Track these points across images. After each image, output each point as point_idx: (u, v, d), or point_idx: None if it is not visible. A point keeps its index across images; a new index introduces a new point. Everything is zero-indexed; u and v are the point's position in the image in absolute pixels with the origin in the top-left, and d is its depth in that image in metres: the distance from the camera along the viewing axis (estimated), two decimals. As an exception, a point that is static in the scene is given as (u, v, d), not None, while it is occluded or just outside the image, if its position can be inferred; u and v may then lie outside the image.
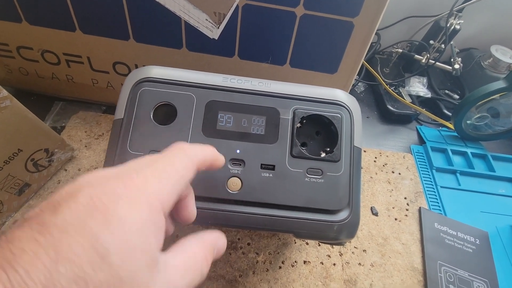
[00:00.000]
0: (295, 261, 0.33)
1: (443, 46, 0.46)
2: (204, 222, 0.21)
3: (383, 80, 0.50)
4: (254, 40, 0.34)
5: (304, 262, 0.33)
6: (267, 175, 0.21)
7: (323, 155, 0.22)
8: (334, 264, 0.33)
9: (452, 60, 0.45)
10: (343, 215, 0.21)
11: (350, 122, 0.22)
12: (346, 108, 0.22)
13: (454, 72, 0.45)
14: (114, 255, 0.11)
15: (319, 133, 0.23)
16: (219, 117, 0.22)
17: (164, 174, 0.14)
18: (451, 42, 0.46)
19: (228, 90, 0.22)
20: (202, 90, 0.22)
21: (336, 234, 0.21)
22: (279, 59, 0.36)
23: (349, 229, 0.21)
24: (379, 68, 0.54)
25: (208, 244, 0.16)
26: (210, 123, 0.21)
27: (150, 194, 0.13)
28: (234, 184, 0.21)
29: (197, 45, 0.35)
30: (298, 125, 0.22)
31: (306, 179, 0.21)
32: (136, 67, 0.38)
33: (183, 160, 0.16)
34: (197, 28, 0.33)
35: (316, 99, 0.22)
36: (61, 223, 0.11)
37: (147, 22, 0.33)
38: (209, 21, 0.33)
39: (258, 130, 0.22)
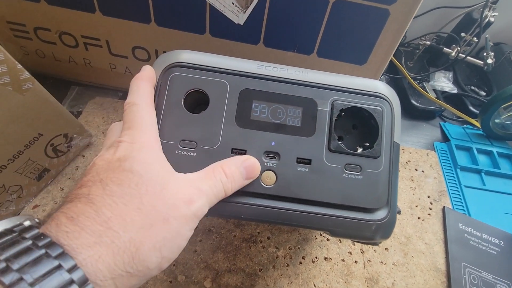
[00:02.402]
0: (316, 257, 0.32)
1: (475, 39, 0.43)
2: (237, 216, 0.20)
3: (408, 74, 0.48)
4: (281, 27, 0.33)
5: (325, 258, 0.32)
6: (303, 169, 0.20)
7: (359, 150, 0.21)
8: (355, 262, 0.32)
9: (485, 54, 0.43)
10: (381, 214, 0.20)
11: (391, 116, 0.21)
12: (387, 101, 0.21)
13: (485, 67, 0.43)
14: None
15: (356, 126, 0.22)
16: (253, 106, 0.20)
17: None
18: (487, 35, 0.43)
19: (263, 78, 0.21)
20: (236, 77, 0.21)
21: (373, 234, 0.20)
22: (306, 48, 0.34)
23: (386, 229, 0.20)
24: (403, 61, 0.52)
25: (226, 161, 0.19)
26: (244, 113, 0.20)
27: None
28: (269, 178, 0.20)
29: (221, 30, 0.33)
30: (336, 117, 0.21)
31: (344, 175, 0.20)
32: (156, 52, 0.37)
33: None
34: (223, 12, 0.32)
35: (356, 91, 0.21)
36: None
37: (170, 5, 0.32)
38: (236, 5, 0.31)
39: (294, 122, 0.20)
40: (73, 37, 0.36)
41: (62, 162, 0.34)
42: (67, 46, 0.37)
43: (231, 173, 0.18)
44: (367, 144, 0.21)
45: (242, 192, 0.20)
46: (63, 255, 0.13)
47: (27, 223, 0.14)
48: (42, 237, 0.13)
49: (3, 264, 0.12)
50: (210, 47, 0.35)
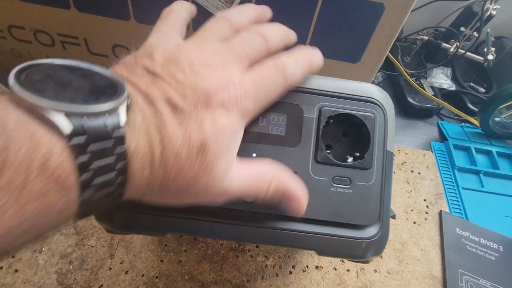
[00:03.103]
0: (307, 266, 0.31)
1: (475, 33, 0.41)
2: (212, 235, 0.18)
3: (404, 70, 0.46)
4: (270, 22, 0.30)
5: (316, 267, 0.31)
6: None
7: (349, 160, 0.19)
8: (348, 270, 0.31)
9: (485, 49, 0.41)
10: (372, 231, 0.18)
11: (384, 123, 0.19)
12: (379, 107, 0.19)
13: (486, 63, 0.41)
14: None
15: (346, 134, 0.20)
16: None
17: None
18: (488, 30, 0.41)
19: None
20: None
21: (364, 252, 0.18)
22: (296, 45, 0.32)
23: (378, 246, 0.19)
24: (399, 57, 0.50)
25: (272, 172, 0.17)
26: None
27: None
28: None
29: (205, 27, 0.31)
30: (324, 124, 0.19)
31: (332, 188, 0.18)
32: (138, 51, 0.35)
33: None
34: (206, 8, 0.30)
35: (345, 95, 0.19)
36: None
37: (149, 0, 0.30)
38: (220, 0, 0.29)
39: (278, 131, 0.19)
40: (49, 35, 0.34)
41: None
42: (43, 45, 0.35)
43: (269, 185, 0.17)
44: (358, 154, 0.19)
45: (218, 208, 0.18)
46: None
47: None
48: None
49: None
50: (194, 45, 0.32)
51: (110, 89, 0.13)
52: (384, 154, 0.19)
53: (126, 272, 0.28)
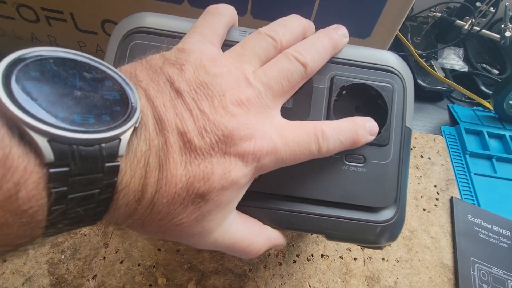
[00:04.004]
0: (312, 255, 0.29)
1: (492, 9, 0.38)
2: None
3: (415, 51, 0.44)
4: (271, -6, 0.28)
5: (322, 256, 0.29)
6: None
7: None
8: (355, 259, 0.30)
9: (502, 26, 0.38)
10: (387, 214, 0.17)
11: (403, 95, 0.17)
12: (398, 77, 0.17)
13: (502, 41, 0.38)
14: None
15: (360, 108, 0.18)
16: None
17: None
18: (506, 4, 0.38)
19: None
20: None
21: (377, 237, 0.17)
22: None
23: (393, 231, 0.17)
24: (409, 37, 0.47)
25: (265, 236, 0.16)
26: None
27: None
28: None
29: (202, -1, 0.29)
30: (335, 97, 0.17)
31: (344, 167, 0.16)
32: (130, 27, 0.32)
33: None
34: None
35: (360, 63, 0.17)
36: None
37: (140, -32, 0.27)
38: None
39: (285, 103, 0.16)
40: (32, 10, 0.31)
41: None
42: (27, 21, 0.33)
43: (264, 244, 0.17)
44: None
45: None
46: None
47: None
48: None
49: None
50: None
51: (119, 106, 0.10)
52: (402, 129, 0.17)
53: (122, 262, 0.27)
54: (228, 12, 0.17)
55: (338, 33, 0.17)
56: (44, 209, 0.09)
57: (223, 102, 0.13)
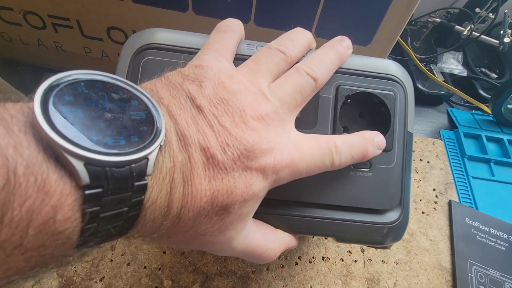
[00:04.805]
0: (313, 257, 0.30)
1: (491, 15, 0.39)
2: None
3: (414, 55, 0.44)
4: (274, 2, 0.28)
5: (323, 258, 0.30)
6: None
7: None
8: (355, 261, 0.30)
9: (501, 32, 0.39)
10: (393, 216, 0.18)
11: (405, 102, 0.18)
12: (400, 84, 0.18)
13: (501, 47, 0.39)
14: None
15: (364, 115, 0.19)
16: None
17: None
18: (506, 10, 0.39)
19: None
20: None
21: (384, 238, 0.18)
22: (303, 27, 0.30)
23: (398, 232, 0.18)
24: (409, 41, 0.48)
25: (279, 240, 0.17)
26: None
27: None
28: None
29: (206, 7, 0.29)
30: (340, 105, 0.17)
31: (352, 172, 0.17)
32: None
33: None
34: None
35: (363, 72, 0.18)
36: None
37: (146, -23, 0.28)
38: None
39: None
40: (39, 16, 0.32)
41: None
42: (33, 28, 0.33)
43: (276, 250, 0.18)
44: None
45: None
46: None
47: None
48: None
49: None
50: (194, 26, 0.31)
51: (146, 126, 0.11)
52: (404, 135, 0.18)
53: (128, 264, 0.28)
54: (238, 29, 0.17)
55: (343, 45, 0.18)
56: (78, 229, 0.09)
57: (243, 117, 0.13)
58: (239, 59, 0.17)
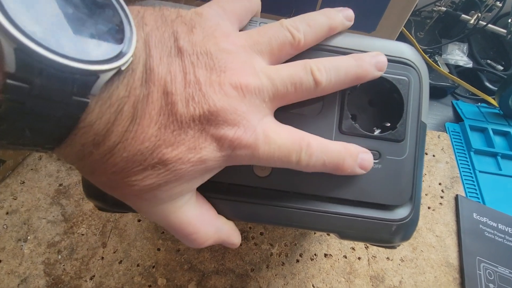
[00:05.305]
0: (315, 254, 0.29)
1: (498, 3, 0.38)
2: (224, 215, 0.16)
3: (420, 47, 0.43)
4: (274, -15, 0.27)
5: (325, 255, 0.29)
6: None
7: (377, 132, 0.16)
8: (359, 258, 0.29)
9: (509, 21, 0.38)
10: (403, 212, 0.16)
11: (419, 88, 0.16)
12: (414, 69, 0.16)
13: (509, 36, 0.38)
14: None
15: (373, 102, 0.17)
16: None
17: None
18: (514, -3, 0.38)
19: None
20: None
21: (392, 236, 0.16)
22: (304, 11, 0.28)
23: (408, 230, 0.17)
24: (413, 32, 0.46)
25: (215, 228, 0.15)
26: None
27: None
28: (263, 167, 0.15)
29: (202, -9, 0.28)
30: (348, 91, 0.16)
31: None
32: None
33: None
34: None
35: None
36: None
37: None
38: None
39: None
40: None
41: (22, 151, 0.29)
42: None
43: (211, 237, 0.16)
44: (388, 124, 0.16)
45: (228, 184, 0.15)
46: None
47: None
48: None
49: None
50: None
51: (110, 42, 0.10)
52: (418, 124, 0.16)
53: (120, 262, 0.26)
54: (255, 1, 0.16)
55: (372, 62, 0.15)
56: None
57: (221, 78, 0.12)
58: None
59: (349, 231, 0.16)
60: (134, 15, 0.12)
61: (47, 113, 0.09)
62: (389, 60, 0.16)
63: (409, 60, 0.16)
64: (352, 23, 0.17)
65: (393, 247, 0.18)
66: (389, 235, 0.16)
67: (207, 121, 0.12)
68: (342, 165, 0.14)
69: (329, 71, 0.14)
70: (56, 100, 0.09)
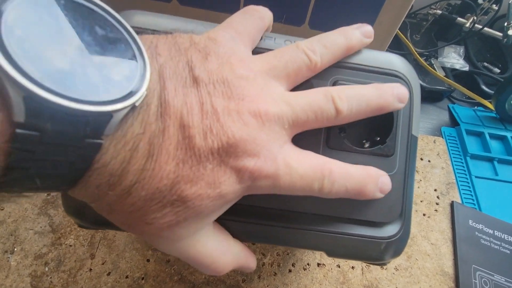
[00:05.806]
0: (308, 264, 0.28)
1: (494, 6, 0.37)
2: None
3: (414, 49, 0.42)
4: (264, -10, 0.26)
5: (318, 264, 0.28)
6: None
7: (366, 145, 0.16)
8: (352, 267, 0.29)
9: (506, 24, 0.37)
10: (392, 229, 0.16)
11: (410, 102, 0.16)
12: (405, 81, 0.16)
13: (505, 39, 0.37)
14: None
15: None
16: None
17: None
18: (510, 1, 0.37)
19: None
20: None
21: (381, 254, 0.16)
22: (296, 18, 0.28)
23: (398, 247, 0.16)
24: (408, 35, 0.46)
25: (232, 256, 0.15)
26: None
27: None
28: None
29: (191, -4, 0.27)
30: None
31: None
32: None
33: None
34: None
35: (363, 67, 0.16)
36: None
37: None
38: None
39: None
40: None
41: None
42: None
43: (230, 264, 0.16)
44: (378, 139, 0.16)
45: None
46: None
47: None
48: None
49: None
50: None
51: (124, 78, 0.09)
52: (408, 138, 0.16)
53: (109, 274, 0.26)
54: (266, 17, 0.15)
55: (394, 93, 0.14)
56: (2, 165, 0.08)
57: (239, 106, 0.12)
58: (255, 52, 0.15)
59: (336, 249, 0.16)
60: (147, 46, 0.11)
61: (59, 158, 0.09)
62: (379, 72, 0.15)
63: (399, 72, 0.16)
64: (371, 39, 0.16)
65: (384, 264, 0.17)
66: (378, 253, 0.16)
67: (226, 153, 0.11)
68: (364, 191, 0.14)
69: (350, 100, 0.14)
70: (68, 145, 0.08)
